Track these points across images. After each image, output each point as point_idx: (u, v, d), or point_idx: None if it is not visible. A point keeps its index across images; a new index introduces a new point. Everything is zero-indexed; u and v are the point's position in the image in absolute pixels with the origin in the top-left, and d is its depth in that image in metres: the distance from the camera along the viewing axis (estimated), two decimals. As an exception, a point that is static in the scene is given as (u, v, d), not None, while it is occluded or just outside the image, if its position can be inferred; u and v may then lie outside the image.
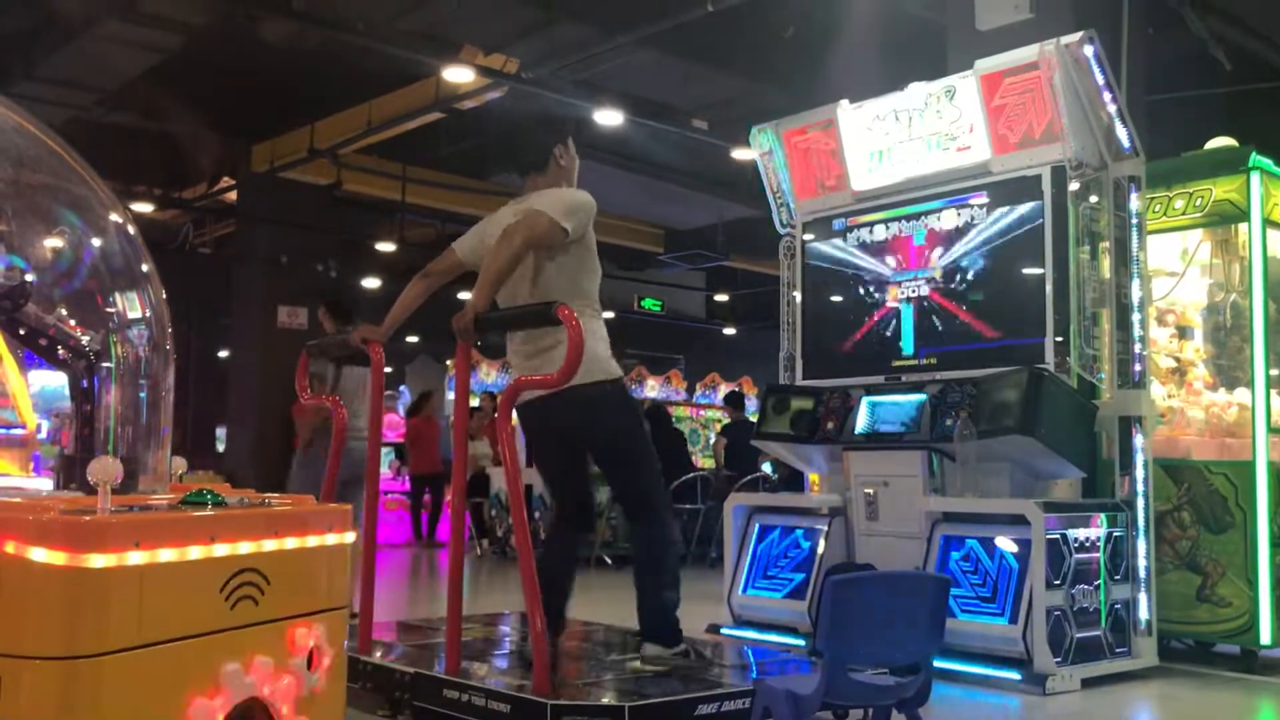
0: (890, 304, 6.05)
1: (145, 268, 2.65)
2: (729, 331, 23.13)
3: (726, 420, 12.54)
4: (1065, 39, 5.31)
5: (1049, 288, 5.35)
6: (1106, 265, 5.39)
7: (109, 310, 2.56)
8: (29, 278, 2.36)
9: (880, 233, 6.14)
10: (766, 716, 3.18)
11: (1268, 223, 5.52)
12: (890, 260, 6.08)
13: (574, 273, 4.11)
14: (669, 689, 3.71)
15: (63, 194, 2.59)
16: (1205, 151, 5.95)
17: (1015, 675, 4.83)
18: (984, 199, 5.67)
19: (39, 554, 1.89)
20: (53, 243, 2.56)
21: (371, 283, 17.29)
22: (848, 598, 3.05)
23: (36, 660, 1.88)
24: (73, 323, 2.43)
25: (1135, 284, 5.36)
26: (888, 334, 6.04)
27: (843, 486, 5.94)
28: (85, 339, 2.39)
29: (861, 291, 6.21)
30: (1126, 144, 5.41)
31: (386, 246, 15.28)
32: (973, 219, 5.72)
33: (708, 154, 12.24)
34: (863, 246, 6.22)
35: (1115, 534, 5.20)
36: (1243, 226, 5.60)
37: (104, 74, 11.34)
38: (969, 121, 5.68)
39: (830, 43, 8.91)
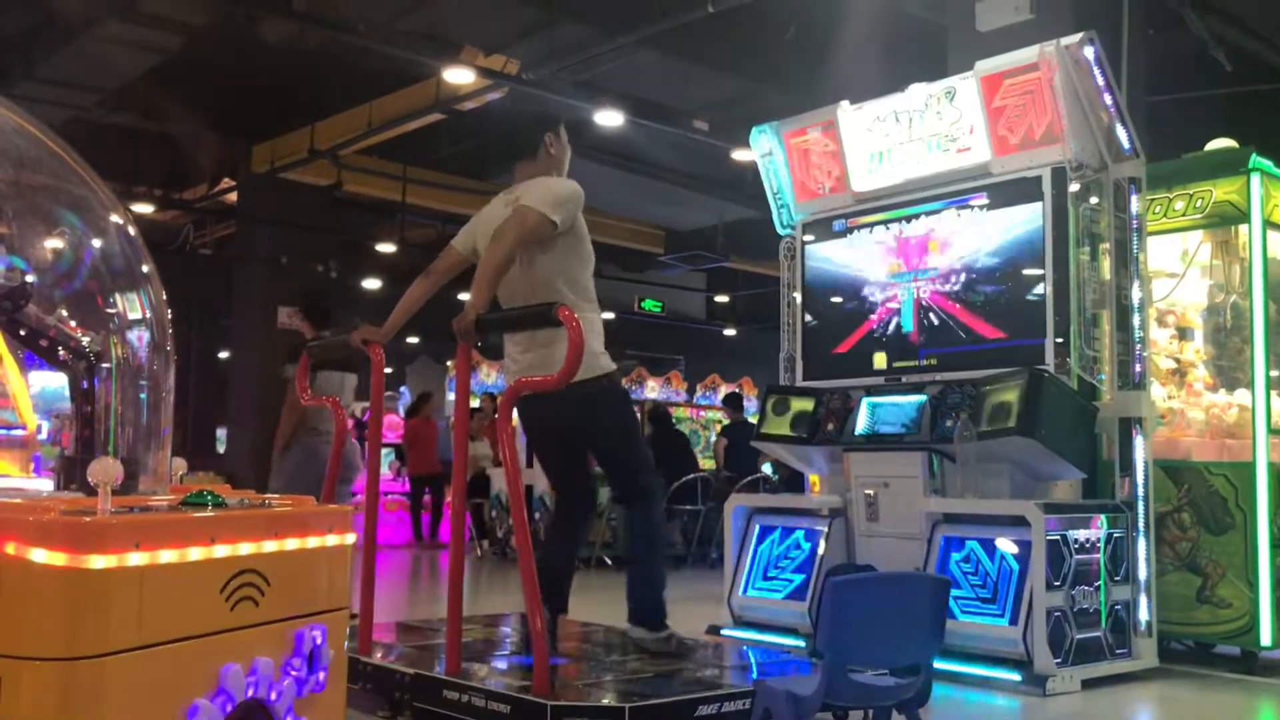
0: (890, 305, 6.05)
1: (145, 269, 2.65)
2: (729, 332, 23.14)
3: (726, 421, 12.55)
4: (1065, 40, 5.31)
5: (1049, 289, 5.35)
6: (1107, 266, 5.39)
7: (109, 311, 2.56)
8: (29, 279, 2.36)
9: (880, 234, 6.14)
10: (767, 717, 3.18)
11: (1268, 224, 5.52)
12: (890, 261, 6.08)
13: (566, 263, 4.15)
14: (669, 690, 3.71)
15: (63, 195, 2.59)
16: (1205, 153, 5.95)
17: (1015, 676, 4.83)
18: (984, 200, 5.67)
19: (39, 555, 1.88)
20: (53, 244, 2.56)
21: (372, 284, 17.30)
22: (848, 599, 3.05)
23: (37, 661, 1.88)
24: (73, 324, 2.43)
25: (1135, 285, 5.36)
26: (888, 335, 6.04)
27: (843, 487, 5.94)
28: (86, 340, 2.39)
29: (862, 292, 6.21)
30: (1127, 145, 5.41)
31: (387, 247, 15.29)
32: (973, 220, 5.72)
33: (708, 155, 12.25)
34: (863, 248, 6.22)
35: (1115, 535, 5.20)
36: (1243, 228, 5.60)
37: (104, 74, 11.35)
38: (969, 123, 5.68)
39: (831, 44, 8.91)
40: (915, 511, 5.49)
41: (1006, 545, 5.09)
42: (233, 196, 15.01)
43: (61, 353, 2.36)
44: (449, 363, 14.58)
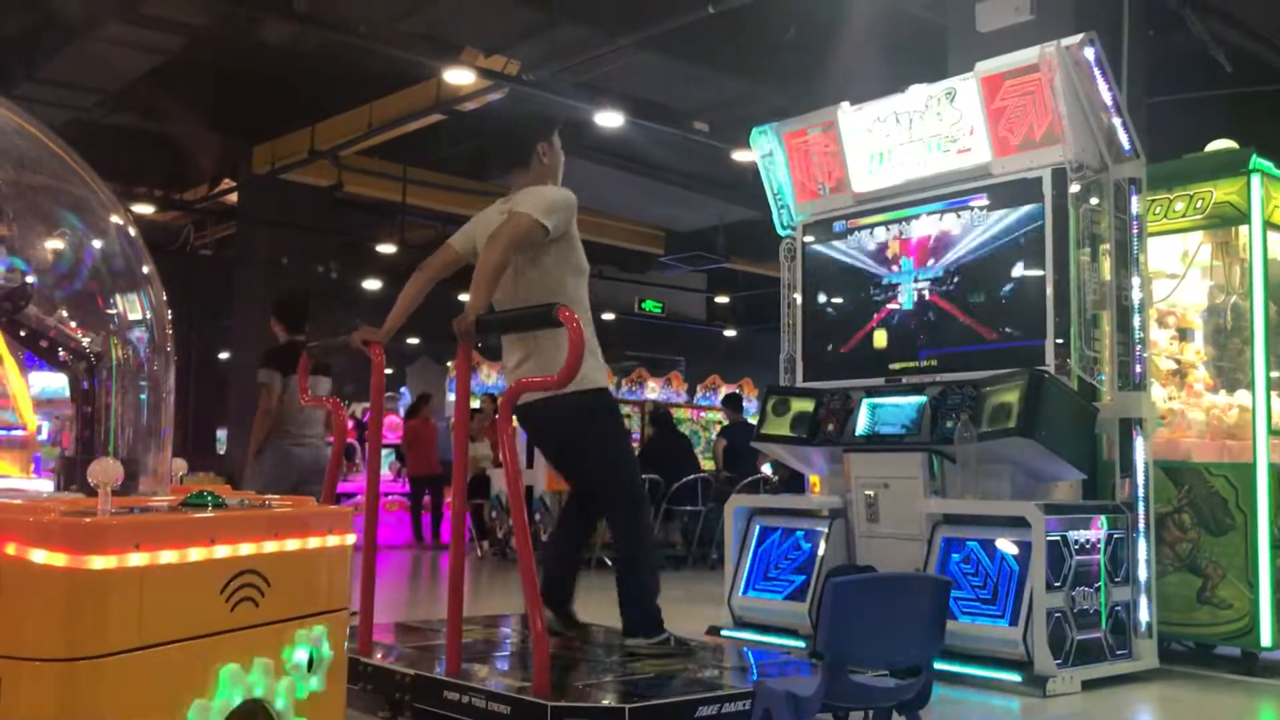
0: (891, 306, 6.05)
1: (146, 269, 2.65)
2: (729, 333, 23.16)
3: (726, 422, 12.55)
4: (1066, 41, 5.31)
5: (1049, 290, 5.35)
6: (1107, 267, 5.39)
7: (110, 312, 2.56)
8: (30, 279, 2.36)
9: (881, 235, 6.14)
10: (767, 718, 3.17)
11: (1268, 225, 5.52)
12: (891, 262, 6.08)
13: (556, 270, 4.20)
14: (669, 691, 3.71)
15: (63, 196, 2.59)
16: (1206, 154, 5.95)
17: (1016, 677, 4.83)
18: (984, 201, 5.67)
19: (39, 555, 1.89)
20: (53, 244, 2.56)
21: (372, 284, 17.30)
22: (848, 600, 3.05)
23: (36, 662, 1.88)
24: (73, 324, 2.43)
25: (1136, 286, 5.35)
26: (888, 336, 6.04)
27: (843, 488, 5.94)
28: (86, 341, 2.39)
29: (862, 293, 6.21)
30: (1127, 146, 5.41)
31: (387, 248, 15.30)
32: (973, 221, 5.72)
33: (708, 156, 12.26)
34: (863, 248, 6.22)
35: (1116, 536, 5.20)
36: (1243, 229, 5.60)
37: (105, 75, 11.36)
38: (969, 123, 5.68)
39: (831, 45, 8.92)
40: (915, 512, 5.49)
41: (1007, 546, 5.09)
42: (233, 197, 15.02)
43: (62, 353, 2.36)
44: (449, 364, 14.58)
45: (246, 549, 2.23)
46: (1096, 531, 5.12)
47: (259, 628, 2.25)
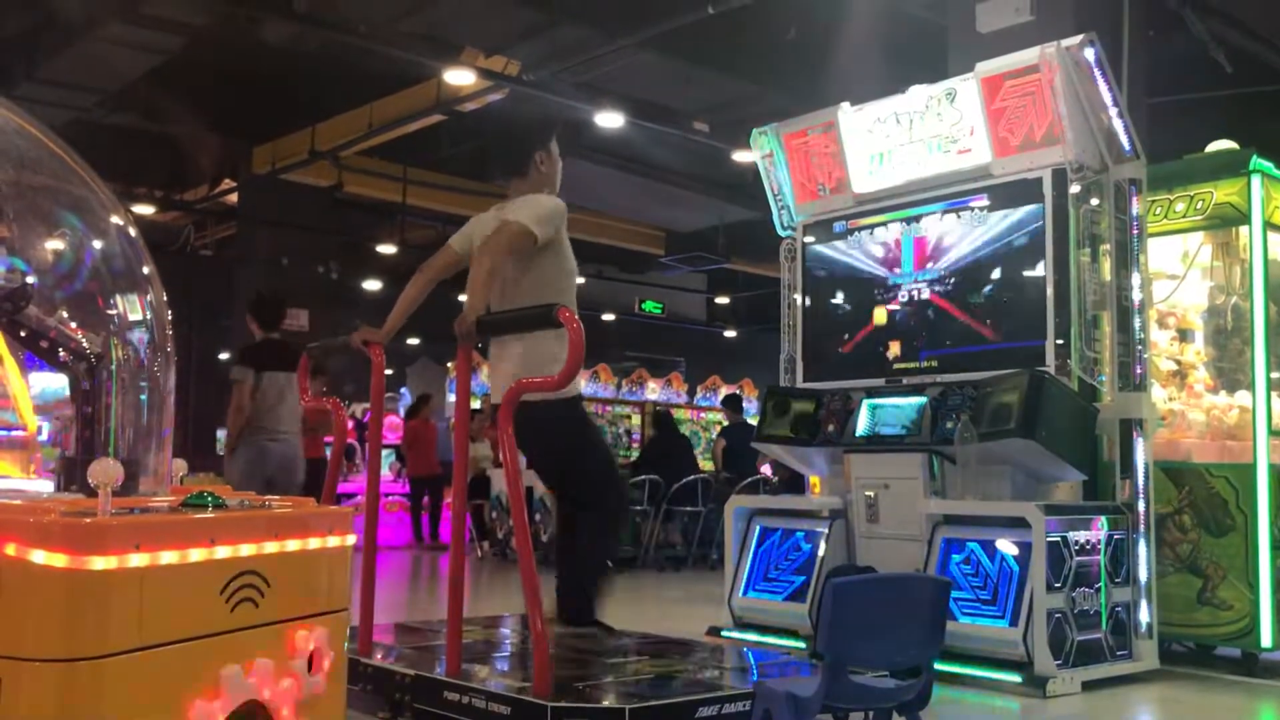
0: (891, 307, 6.05)
1: (146, 270, 2.65)
2: (730, 334, 23.16)
3: (725, 423, 12.56)
4: (1066, 42, 5.31)
5: (1050, 290, 5.35)
6: (1107, 268, 5.39)
7: (110, 312, 2.56)
8: (30, 280, 2.36)
9: (881, 235, 6.14)
10: (767, 718, 3.17)
11: (1268, 225, 5.52)
12: (891, 263, 6.08)
13: (546, 276, 4.30)
14: (670, 691, 3.71)
15: (64, 196, 2.59)
16: (1206, 154, 5.95)
17: (1016, 678, 4.83)
18: (985, 201, 5.67)
19: (39, 556, 1.88)
20: (54, 245, 2.56)
21: (372, 285, 17.30)
22: (848, 600, 3.05)
23: (37, 662, 1.88)
24: (74, 325, 2.43)
25: (1136, 286, 5.35)
26: (889, 337, 6.04)
27: (843, 489, 5.94)
28: (86, 341, 2.39)
29: (862, 294, 6.21)
30: (1127, 147, 5.41)
31: (387, 248, 15.30)
32: (974, 222, 5.72)
33: (708, 156, 12.27)
34: (863, 249, 6.22)
35: (1116, 537, 5.20)
36: (1243, 229, 5.60)
37: (105, 75, 11.36)
38: (970, 124, 5.68)
39: (831, 45, 8.92)
40: (916, 513, 5.49)
41: (1007, 547, 5.09)
42: (233, 197, 15.02)
43: (62, 354, 2.36)
44: (450, 364, 14.58)
45: (247, 550, 2.23)
46: (1097, 532, 5.12)
47: (259, 628, 2.25)
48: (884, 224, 6.13)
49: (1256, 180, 5.47)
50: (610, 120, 10.84)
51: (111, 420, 2.39)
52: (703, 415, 14.18)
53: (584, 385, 13.03)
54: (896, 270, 6.05)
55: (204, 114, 12.60)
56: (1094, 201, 5.39)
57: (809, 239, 6.52)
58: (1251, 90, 9.19)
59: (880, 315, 6.10)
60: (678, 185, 14.18)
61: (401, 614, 6.51)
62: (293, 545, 2.37)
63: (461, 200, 14.34)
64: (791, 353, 6.58)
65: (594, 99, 10.50)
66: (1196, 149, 6.03)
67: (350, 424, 14.41)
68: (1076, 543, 5.01)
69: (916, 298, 5.94)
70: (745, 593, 6.11)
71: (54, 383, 2.53)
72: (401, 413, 15.11)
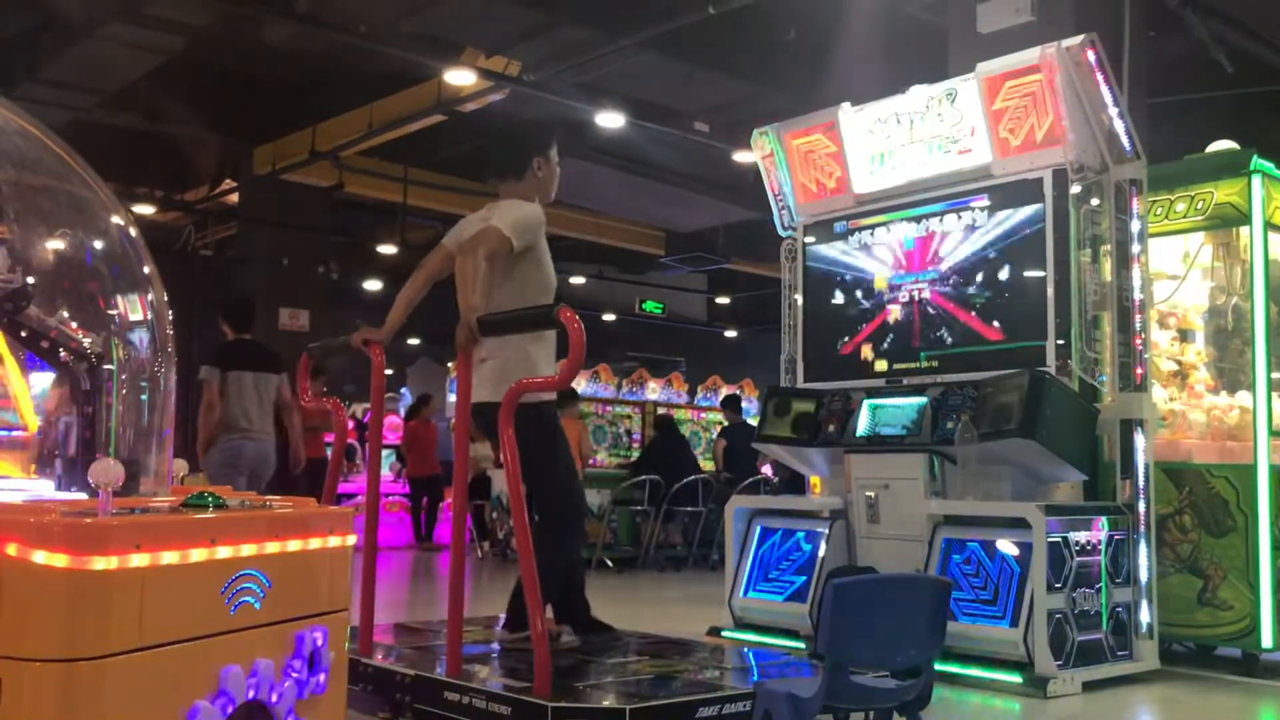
0: (892, 307, 6.05)
1: (146, 270, 2.65)
2: (730, 334, 23.15)
3: (726, 423, 12.56)
4: (1066, 42, 5.31)
5: (1050, 290, 5.35)
6: (1108, 268, 5.39)
7: (110, 312, 2.56)
8: (30, 280, 2.36)
9: (882, 235, 6.15)
10: (767, 719, 3.17)
11: (1269, 226, 5.52)
12: (891, 263, 6.08)
13: (526, 283, 4.32)
14: (670, 691, 3.71)
15: (64, 196, 2.59)
16: (1207, 155, 5.96)
17: (1016, 678, 4.83)
18: (985, 202, 5.67)
19: (40, 556, 1.88)
20: (54, 245, 2.56)
21: (373, 285, 17.30)
22: (849, 601, 3.05)
23: (37, 663, 1.87)
24: (74, 325, 2.43)
25: (1137, 287, 5.35)
26: (889, 337, 6.05)
27: (844, 489, 5.94)
28: (87, 341, 2.39)
29: (863, 294, 6.21)
30: (1128, 147, 5.41)
31: (388, 249, 15.30)
32: (974, 222, 5.72)
33: (709, 156, 12.26)
34: (864, 249, 6.22)
35: (1116, 537, 5.20)
36: (1244, 230, 5.60)
37: (106, 76, 11.36)
38: (970, 124, 5.68)
39: (832, 45, 8.91)
40: (916, 513, 5.49)
41: (1007, 547, 5.09)
42: (234, 198, 15.01)
43: (63, 354, 2.36)
44: (450, 364, 14.58)
45: (247, 550, 2.23)
46: (1097, 533, 5.12)
47: (260, 628, 2.25)
48: (885, 224, 6.13)
49: (1257, 180, 5.47)
50: (611, 120, 10.84)
51: (112, 420, 2.39)
52: (703, 415, 14.16)
53: (584, 385, 13.06)
54: (897, 270, 6.05)
55: (204, 114, 12.60)
56: (1095, 202, 5.39)
57: (810, 239, 6.52)
58: (1252, 90, 9.19)
59: (881, 315, 6.10)
60: (678, 185, 14.18)
61: (402, 614, 6.51)
62: (293, 545, 2.37)
63: (462, 201, 14.31)
64: (792, 353, 6.58)
65: (594, 99, 10.50)
66: (1197, 149, 6.03)
67: (350, 424, 14.42)
68: (1077, 543, 5.01)
69: (917, 298, 5.94)
70: (746, 593, 6.11)
71: (46, 382, 2.53)
72: (402, 413, 15.11)
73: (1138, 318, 5.34)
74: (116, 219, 2.66)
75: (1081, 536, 5.05)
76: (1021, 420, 5.11)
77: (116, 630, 1.93)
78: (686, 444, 12.57)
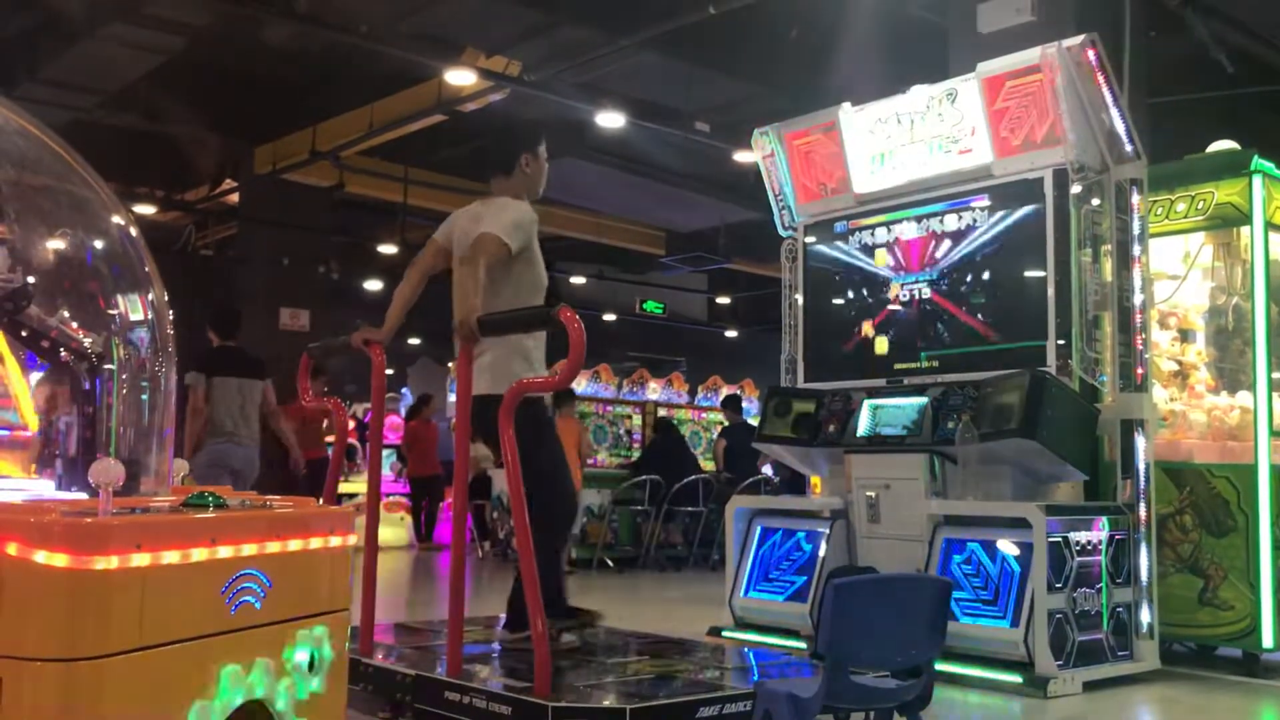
0: (892, 307, 6.05)
1: (147, 269, 2.65)
2: (731, 334, 23.14)
3: (726, 423, 12.56)
4: (1067, 42, 5.31)
5: (1051, 291, 5.35)
6: (1108, 268, 5.39)
7: (111, 312, 2.56)
8: (31, 280, 2.36)
9: (882, 235, 6.14)
10: (768, 719, 3.17)
11: (1270, 226, 5.52)
12: (892, 263, 6.08)
13: (520, 281, 4.36)
14: (670, 691, 3.71)
15: (65, 196, 2.59)
16: (1207, 155, 5.95)
17: (1017, 678, 4.83)
18: (986, 202, 5.67)
19: (41, 556, 1.88)
20: (55, 245, 2.56)
21: (373, 285, 17.30)
22: (849, 601, 3.05)
23: (38, 662, 1.87)
24: (75, 325, 2.43)
25: (1137, 287, 5.35)
26: (889, 337, 6.05)
27: (844, 489, 5.94)
28: (87, 341, 2.39)
29: (863, 294, 6.21)
30: (1128, 147, 5.41)
31: (388, 248, 15.29)
32: (975, 222, 5.72)
33: (710, 156, 12.26)
34: (865, 249, 6.22)
35: (1117, 537, 5.19)
36: (1245, 230, 5.60)
37: (106, 76, 11.36)
38: (971, 124, 5.68)
39: (832, 46, 8.92)
40: (916, 513, 5.49)
41: (1008, 547, 5.08)
42: (234, 198, 15.01)
43: (63, 354, 2.36)
44: (450, 364, 14.57)
45: (248, 549, 2.23)
46: (1098, 533, 5.12)
47: (260, 628, 2.25)
48: (885, 224, 6.13)
49: (1257, 180, 5.47)
50: (611, 121, 10.84)
51: (113, 420, 2.39)
52: (703, 415, 14.15)
53: (585, 385, 13.06)
54: (898, 270, 6.05)
55: (205, 114, 12.61)
56: (1095, 202, 5.39)
57: (810, 239, 6.52)
58: (1252, 90, 9.19)
59: (881, 315, 6.10)
60: (679, 185, 14.18)
61: (402, 614, 6.51)
62: (293, 545, 2.37)
63: (462, 201, 14.15)
64: (792, 353, 6.58)
65: (595, 99, 10.50)
66: (1197, 149, 6.03)
67: (351, 424, 14.42)
68: (1077, 543, 5.01)
69: (918, 298, 5.93)
70: (746, 593, 6.11)
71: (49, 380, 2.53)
72: (402, 413, 15.11)
73: (1138, 318, 5.34)
74: (117, 219, 2.66)
75: (1082, 536, 5.05)
76: (1022, 420, 5.11)
77: (117, 630, 1.93)
78: (686, 444, 12.58)
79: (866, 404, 5.94)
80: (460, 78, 10.19)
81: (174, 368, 2.68)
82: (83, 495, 2.30)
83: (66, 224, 2.59)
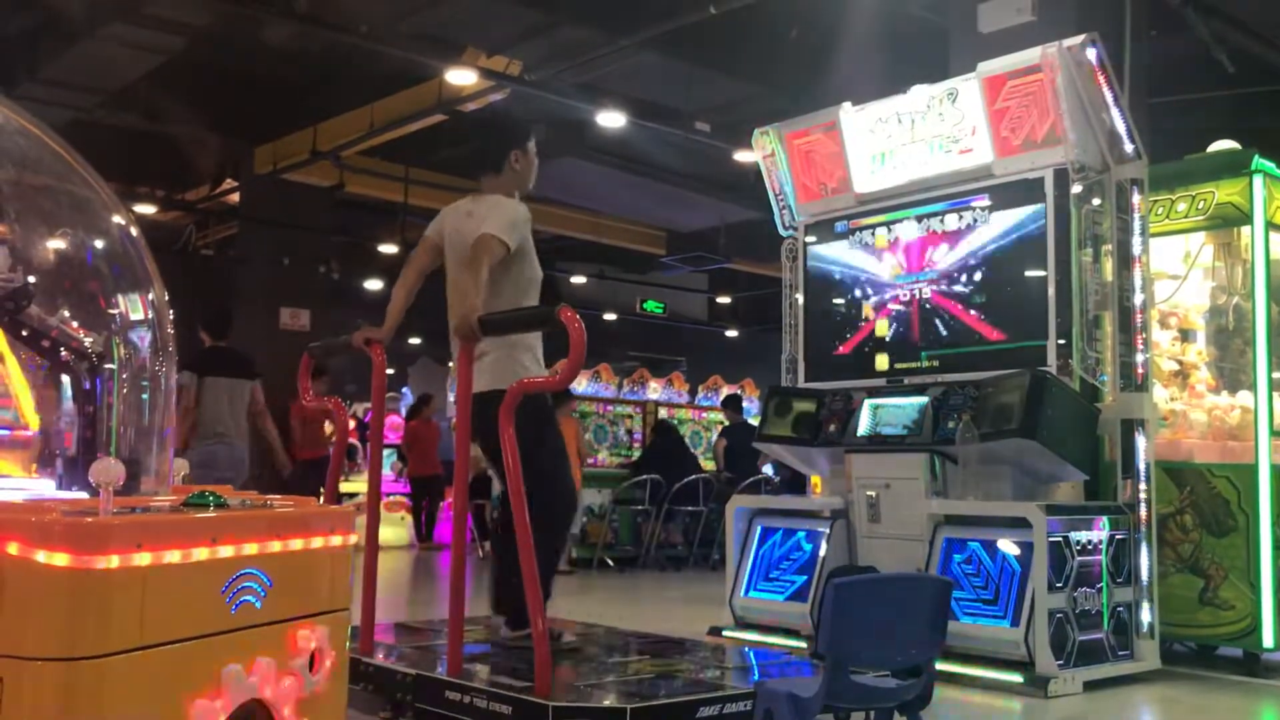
0: (893, 307, 6.05)
1: (147, 269, 2.65)
2: (731, 334, 23.13)
3: (726, 423, 12.57)
4: (1068, 41, 5.31)
5: (1051, 290, 5.35)
6: (1109, 268, 5.39)
7: (111, 312, 2.56)
8: (31, 279, 2.36)
9: (883, 235, 6.14)
10: (768, 718, 3.17)
11: (1270, 225, 5.52)
12: (892, 263, 6.08)
13: (517, 279, 4.40)
14: (671, 691, 3.71)
15: (65, 196, 2.59)
16: (1208, 154, 5.95)
17: (1017, 678, 4.83)
18: (986, 202, 5.67)
19: (41, 555, 1.88)
20: (55, 244, 2.56)
21: (374, 284, 17.30)
22: (849, 600, 3.05)
23: (38, 661, 1.88)
24: (75, 324, 2.43)
25: (1138, 287, 5.35)
26: (890, 337, 6.04)
27: (845, 489, 5.94)
28: (88, 340, 2.40)
29: (864, 294, 6.21)
30: (1129, 147, 5.41)
31: (389, 248, 15.28)
32: (975, 221, 5.72)
33: (710, 156, 12.25)
34: (865, 249, 6.22)
35: (1117, 537, 5.19)
36: (1245, 229, 5.60)
37: (107, 75, 11.35)
38: (971, 124, 5.68)
39: (833, 45, 8.91)
40: (917, 513, 5.49)
41: (1008, 547, 5.08)
42: (235, 197, 15.00)
43: (64, 353, 2.36)
44: (451, 364, 14.56)
45: (248, 549, 2.23)
46: (1098, 532, 5.12)
47: (261, 627, 2.25)
48: (886, 224, 6.13)
49: (1258, 180, 5.47)
50: (612, 120, 10.83)
51: (113, 419, 2.39)
52: (704, 415, 14.16)
53: (585, 385, 13.06)
54: (898, 270, 6.05)
55: (205, 114, 12.60)
56: (1096, 201, 5.39)
57: (810, 239, 6.51)
58: (1253, 90, 9.18)
59: (882, 315, 6.10)
60: (679, 185, 14.17)
61: (403, 613, 6.51)
62: (294, 545, 2.37)
63: (463, 200, 14.30)
64: (793, 353, 6.58)
65: (595, 99, 10.49)
66: (1198, 149, 6.03)
67: (352, 424, 14.41)
68: (1078, 543, 5.01)
69: (918, 297, 5.93)
70: (746, 592, 6.11)
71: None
72: (403, 412, 15.11)
73: (1139, 317, 5.34)
74: (117, 218, 2.67)
75: (1082, 536, 5.05)
76: (1022, 420, 5.11)
77: (117, 629, 1.93)
78: (685, 445, 12.58)
79: (867, 404, 5.94)
80: (461, 77, 10.18)
81: (174, 367, 2.68)
82: (83, 495, 2.30)
83: (67, 224, 2.59)
